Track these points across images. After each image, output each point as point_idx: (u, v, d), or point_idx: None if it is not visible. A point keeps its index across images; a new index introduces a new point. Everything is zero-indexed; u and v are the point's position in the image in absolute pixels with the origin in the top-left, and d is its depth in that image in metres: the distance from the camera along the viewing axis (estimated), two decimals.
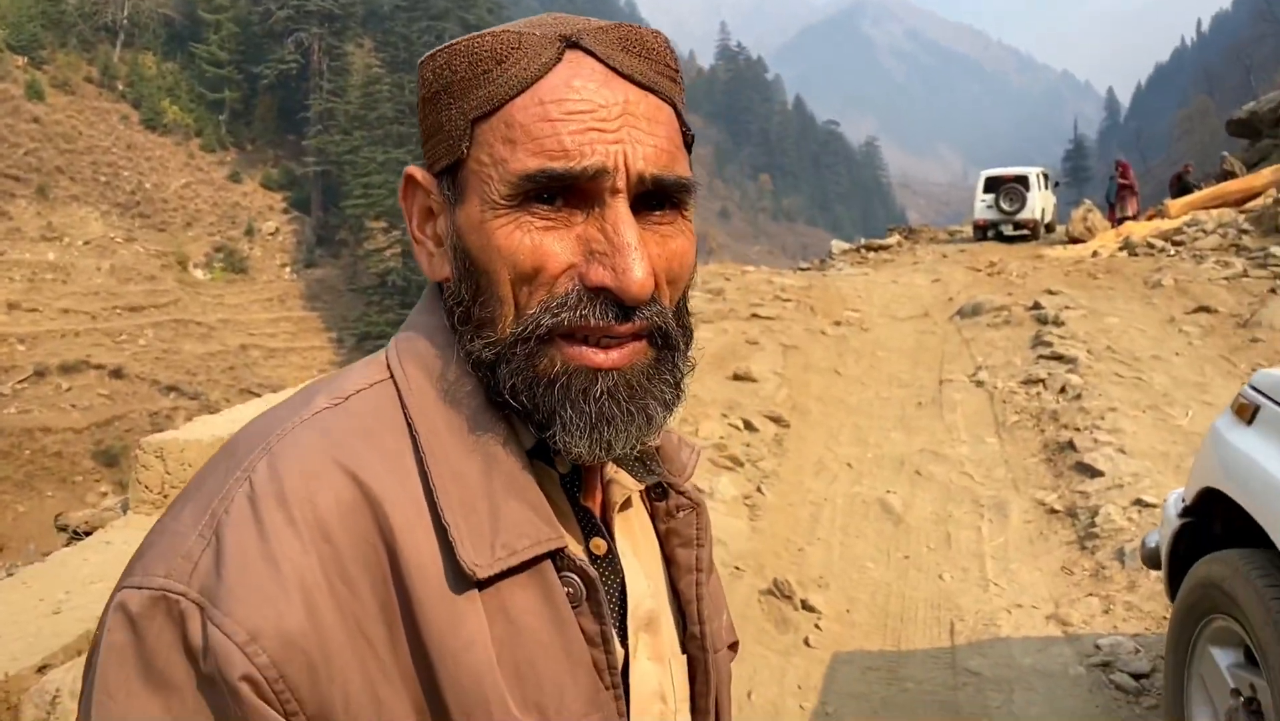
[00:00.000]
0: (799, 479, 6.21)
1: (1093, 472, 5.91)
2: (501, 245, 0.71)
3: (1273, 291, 10.07)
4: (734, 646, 1.01)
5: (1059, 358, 8.48)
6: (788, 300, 11.52)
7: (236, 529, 0.66)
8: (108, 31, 62.14)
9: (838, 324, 10.70)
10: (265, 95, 65.81)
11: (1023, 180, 23.18)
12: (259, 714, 0.62)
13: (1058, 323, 9.70)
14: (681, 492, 0.87)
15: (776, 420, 7.02)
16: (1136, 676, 3.77)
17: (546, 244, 0.71)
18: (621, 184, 0.71)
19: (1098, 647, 4.02)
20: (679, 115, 0.78)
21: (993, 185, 23.19)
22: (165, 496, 5.87)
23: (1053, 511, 5.65)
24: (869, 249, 23.03)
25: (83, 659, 4.23)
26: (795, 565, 4.97)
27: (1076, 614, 4.39)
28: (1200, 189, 21.98)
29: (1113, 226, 20.87)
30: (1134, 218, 22.07)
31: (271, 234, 62.39)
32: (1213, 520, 3.14)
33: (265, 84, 64.44)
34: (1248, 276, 11.06)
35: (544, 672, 0.71)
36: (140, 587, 0.65)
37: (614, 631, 0.76)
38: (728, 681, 0.92)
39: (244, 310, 56.72)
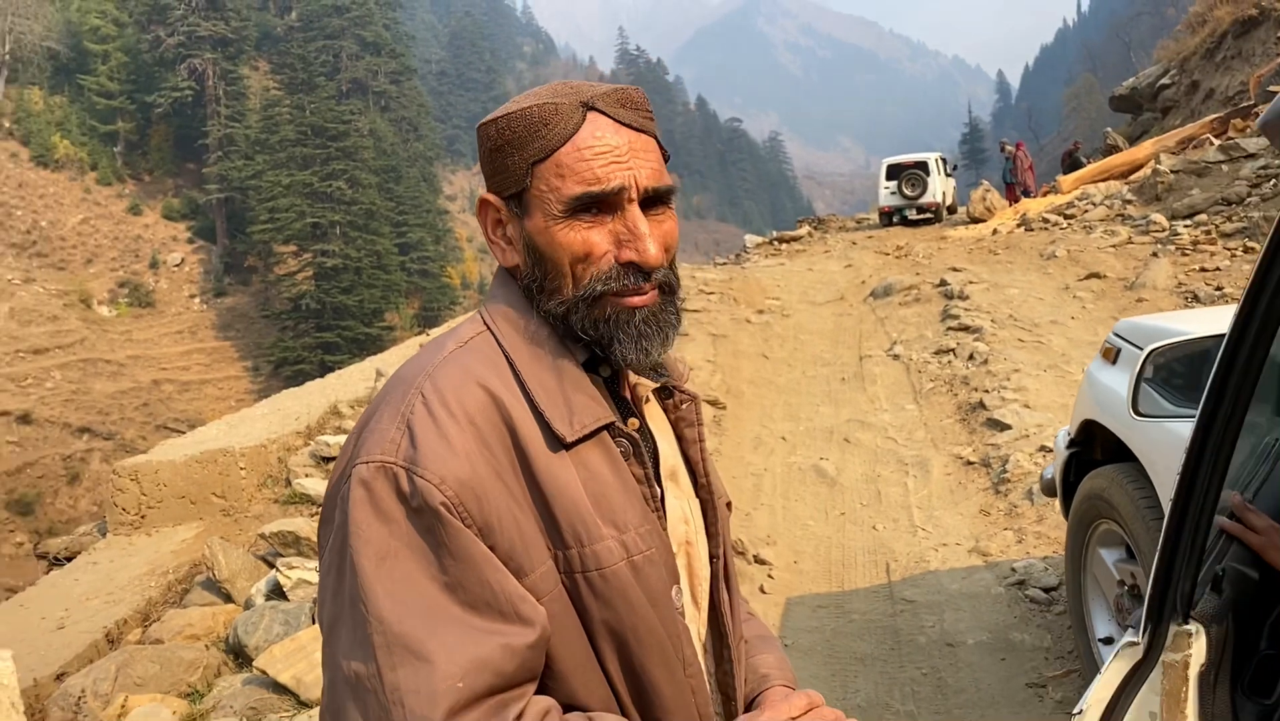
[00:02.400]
0: (739, 454, 6.73)
1: (1001, 427, 6.54)
2: (562, 241, 1.15)
3: (1154, 255, 10.92)
4: (729, 505, 1.49)
5: (966, 328, 9.16)
6: (711, 293, 12.07)
7: (420, 422, 1.10)
8: None
9: (760, 312, 11.28)
10: (160, 124, 64.35)
11: (923, 166, 24.15)
12: (453, 524, 1.06)
13: (963, 297, 10.41)
14: (682, 391, 1.34)
15: (713, 403, 7.53)
16: (1046, 590, 4.35)
17: (591, 238, 1.16)
18: (634, 195, 1.16)
19: (1013, 570, 4.60)
20: (659, 143, 1.24)
21: (895, 172, 24.11)
22: (143, 517, 6.12)
23: (969, 464, 6.26)
24: (781, 241, 23.76)
25: (93, 665, 4.54)
26: (744, 528, 5.48)
27: (994, 546, 4.98)
28: (1089, 163, 23.20)
29: (1010, 205, 21.92)
30: (1030, 194, 23.18)
31: (177, 265, 61.07)
32: (1093, 448, 3.72)
33: (159, 113, 62.97)
34: (1132, 243, 11.94)
35: (613, 500, 1.16)
36: (367, 462, 1.09)
37: (653, 475, 1.23)
38: (728, 519, 1.40)
39: (154, 345, 55.40)
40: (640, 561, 1.15)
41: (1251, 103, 19.47)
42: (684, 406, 1.32)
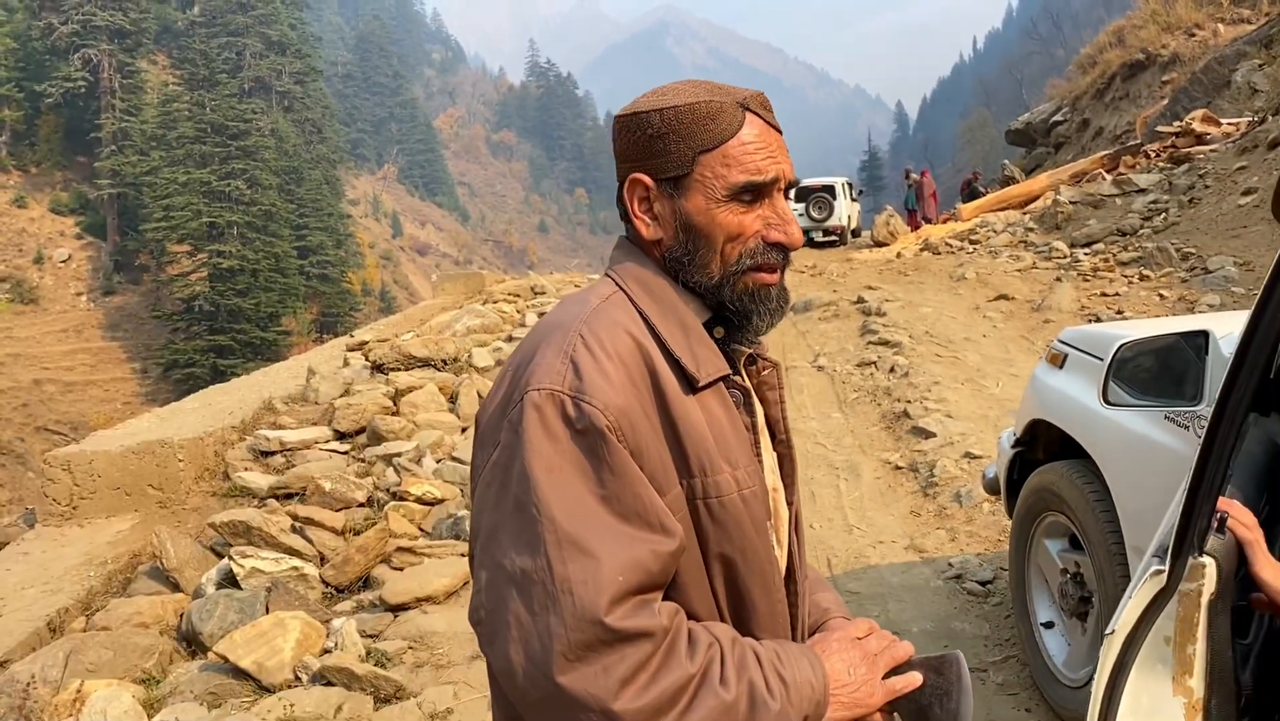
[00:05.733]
0: None
1: (927, 435, 6.85)
2: (721, 221, 1.32)
3: (1058, 280, 11.51)
4: None
5: (885, 343, 9.52)
6: None
7: (582, 358, 1.25)
8: None
9: None
10: (50, 114, 61.80)
11: (830, 190, 24.83)
12: (614, 445, 1.20)
13: (880, 313, 10.80)
14: (766, 358, 1.51)
15: None
16: (982, 583, 4.62)
17: (745, 220, 1.33)
18: (783, 185, 1.35)
19: (950, 565, 4.86)
20: None
21: (802, 195, 24.69)
22: (75, 507, 5.98)
23: (897, 468, 6.54)
24: None
25: (39, 651, 4.45)
26: None
27: (929, 543, 5.24)
28: (987, 193, 24.18)
29: (912, 230, 22.70)
30: (931, 221, 24.04)
31: (64, 261, 58.72)
32: (1037, 447, 4.00)
33: (50, 103, 60.45)
34: (1037, 268, 12.55)
35: (729, 441, 1.32)
36: (539, 390, 1.23)
37: (755, 424, 1.39)
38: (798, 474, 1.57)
39: (36, 343, 53.16)
40: (748, 495, 1.32)
41: (1139, 142, 20.54)
42: (766, 371, 1.50)
